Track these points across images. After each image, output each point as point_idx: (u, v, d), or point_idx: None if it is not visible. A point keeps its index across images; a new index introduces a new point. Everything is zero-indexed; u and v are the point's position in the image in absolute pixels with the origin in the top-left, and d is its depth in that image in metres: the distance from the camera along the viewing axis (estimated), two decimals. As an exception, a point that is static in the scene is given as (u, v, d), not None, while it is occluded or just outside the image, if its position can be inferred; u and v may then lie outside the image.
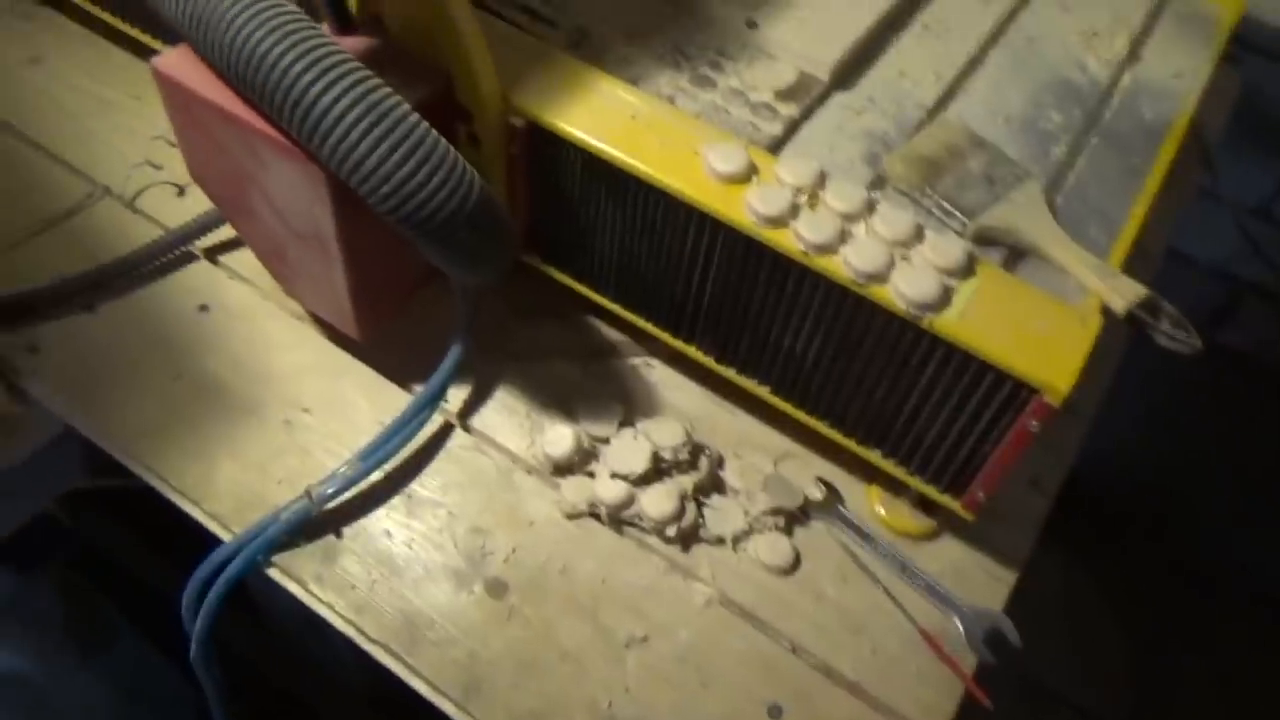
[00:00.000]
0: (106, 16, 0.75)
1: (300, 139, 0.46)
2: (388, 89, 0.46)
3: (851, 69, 0.64)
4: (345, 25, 0.54)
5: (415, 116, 0.46)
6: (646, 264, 0.58)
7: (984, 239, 0.56)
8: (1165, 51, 0.72)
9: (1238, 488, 1.25)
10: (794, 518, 0.59)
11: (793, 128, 0.60)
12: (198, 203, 0.67)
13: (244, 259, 0.66)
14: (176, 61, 0.51)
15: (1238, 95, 0.96)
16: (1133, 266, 0.71)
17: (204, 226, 0.65)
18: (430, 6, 0.52)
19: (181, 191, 0.70)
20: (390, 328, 0.63)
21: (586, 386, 0.63)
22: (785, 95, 0.61)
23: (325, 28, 0.53)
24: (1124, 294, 0.52)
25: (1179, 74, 0.70)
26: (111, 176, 0.70)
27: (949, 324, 0.48)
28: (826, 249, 0.50)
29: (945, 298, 0.48)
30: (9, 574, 0.92)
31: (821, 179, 0.52)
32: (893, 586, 0.57)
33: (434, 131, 0.46)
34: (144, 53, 0.76)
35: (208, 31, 0.45)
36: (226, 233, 0.67)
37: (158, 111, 0.56)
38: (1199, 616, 1.22)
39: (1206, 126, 0.90)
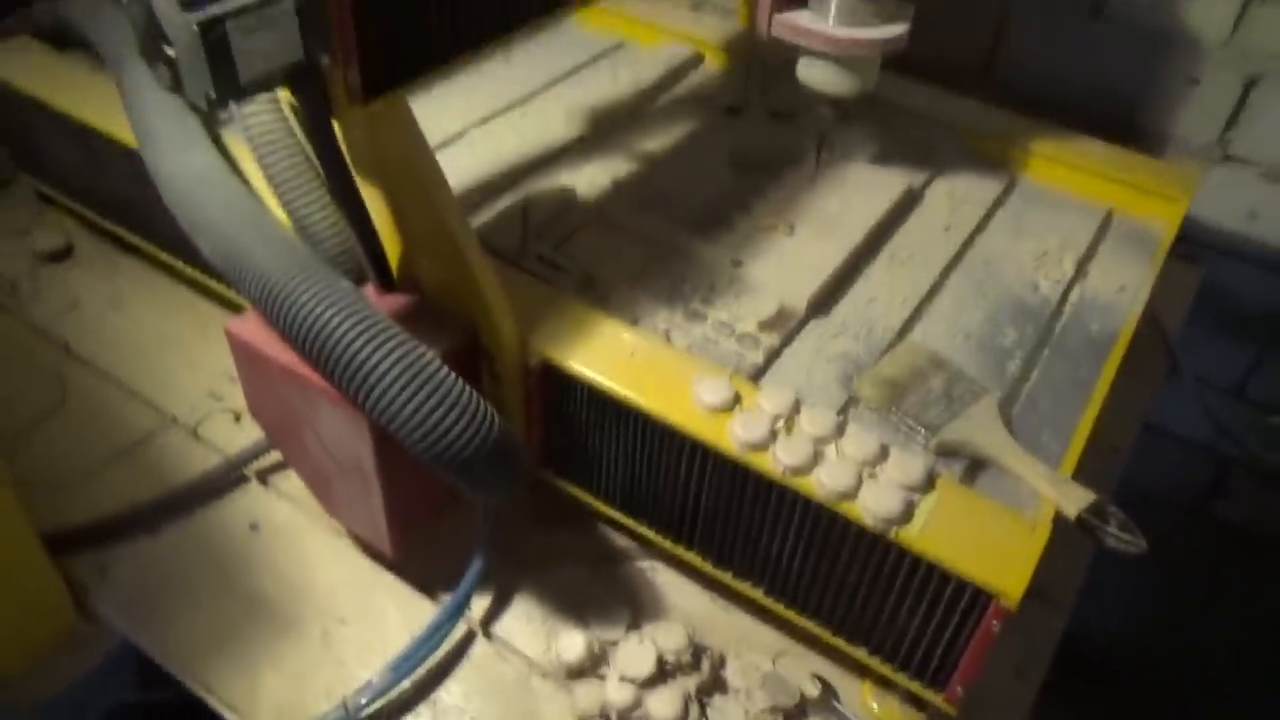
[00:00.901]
0: (179, 264, 0.87)
1: (347, 393, 0.54)
2: (421, 347, 0.54)
3: (826, 299, 0.73)
4: (389, 287, 0.63)
5: (444, 370, 0.54)
6: (648, 480, 0.65)
7: (946, 451, 0.62)
8: (1110, 268, 0.81)
9: (1238, 652, 1.25)
10: (791, 715, 0.63)
11: (774, 355, 0.68)
12: (252, 428, 0.76)
13: (291, 480, 0.74)
14: (247, 327, 0.60)
15: (1198, 287, 1.05)
16: (1100, 464, 0.77)
17: (256, 453, 0.74)
18: (458, 272, 0.61)
19: (238, 419, 0.79)
20: (419, 538, 0.69)
21: (597, 591, 0.69)
22: (767, 326, 0.70)
23: (371, 289, 0.63)
24: (1074, 500, 0.58)
25: (1123, 288, 0.78)
26: (178, 407, 0.79)
27: (912, 536, 0.54)
28: (802, 470, 0.57)
29: (908, 512, 0.55)
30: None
31: (797, 405, 0.60)
32: (888, 782, 0.61)
33: (460, 381, 0.54)
34: (208, 292, 0.87)
35: (272, 304, 0.54)
36: (276, 456, 0.75)
37: (219, 346, 0.65)
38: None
39: (1166, 321, 0.98)
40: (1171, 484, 1.26)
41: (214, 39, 0.42)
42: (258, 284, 0.55)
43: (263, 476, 0.75)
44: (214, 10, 0.41)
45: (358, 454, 0.59)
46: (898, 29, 0.74)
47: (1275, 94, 0.97)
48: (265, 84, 0.46)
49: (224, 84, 0.43)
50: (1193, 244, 1.07)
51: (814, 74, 0.79)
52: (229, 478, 0.74)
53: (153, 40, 0.42)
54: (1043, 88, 1.08)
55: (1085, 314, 0.75)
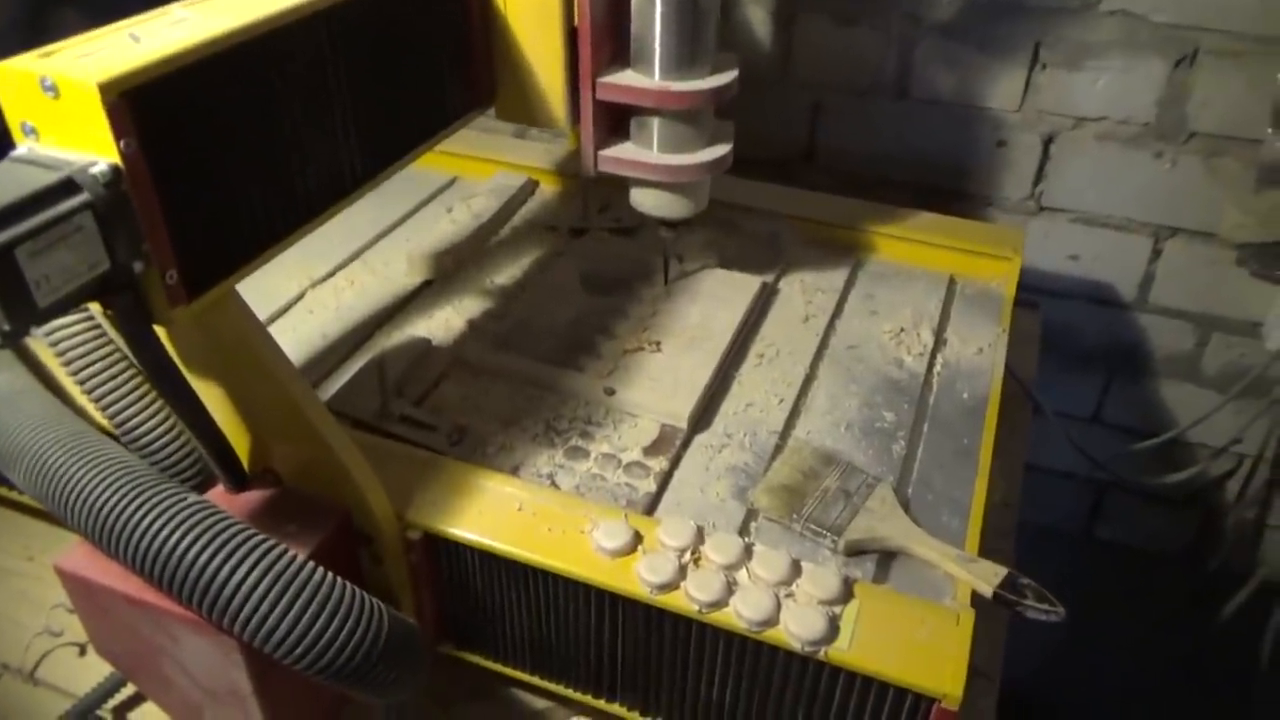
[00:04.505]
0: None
1: (209, 617, 0.48)
2: (284, 549, 0.48)
3: (705, 412, 0.72)
4: (240, 484, 0.58)
5: (316, 571, 0.48)
6: (557, 638, 0.61)
7: (854, 550, 0.61)
8: (964, 332, 0.83)
9: (1135, 662, 1.31)
10: None
11: (665, 480, 0.66)
12: (99, 661, 0.67)
13: (152, 713, 0.65)
14: (79, 558, 0.53)
15: (1041, 331, 1.10)
16: (997, 522, 0.77)
17: (108, 691, 0.65)
18: (316, 453, 0.57)
19: (83, 651, 0.70)
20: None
21: (523, 767, 0.64)
22: (652, 450, 0.68)
23: (220, 491, 0.58)
24: (986, 578, 0.58)
25: (980, 350, 0.81)
26: (9, 652, 0.69)
27: (841, 653, 0.52)
28: (717, 604, 0.54)
29: (833, 628, 0.53)
30: None
31: (700, 535, 0.57)
32: None
33: (336, 580, 0.49)
34: (31, 510, 0.78)
35: (104, 532, 0.48)
36: (133, 689, 0.66)
37: (51, 571, 0.57)
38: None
39: (1019, 366, 1.01)
40: (1058, 516, 1.30)
41: (1, 270, 0.37)
42: (84, 512, 0.48)
43: (120, 714, 0.66)
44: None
45: (230, 679, 0.53)
46: (721, 150, 0.76)
47: (1069, 147, 1.05)
48: (69, 304, 0.41)
49: (19, 314, 0.38)
50: (1029, 290, 1.13)
51: (647, 200, 0.79)
52: (82, 725, 0.64)
53: (-73, 278, 0.37)
54: (865, 166, 1.13)
55: (953, 381, 0.77)
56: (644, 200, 0.79)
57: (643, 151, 0.76)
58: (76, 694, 0.66)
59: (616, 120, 0.76)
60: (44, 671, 0.69)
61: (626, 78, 0.73)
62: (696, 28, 0.71)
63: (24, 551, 0.77)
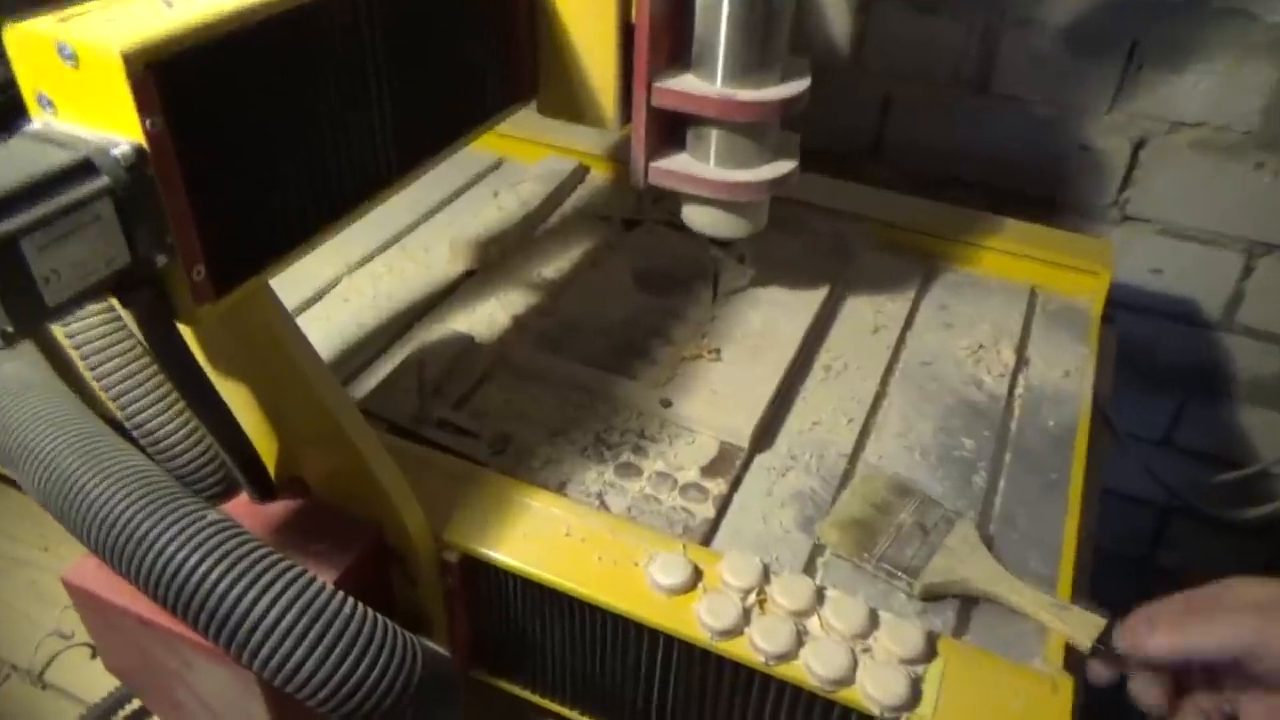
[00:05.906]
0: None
1: (227, 649, 0.43)
2: (311, 579, 0.44)
3: (768, 429, 0.66)
4: (266, 494, 0.53)
5: (345, 604, 0.44)
6: (601, 675, 0.56)
7: (932, 595, 0.55)
8: (1049, 352, 0.77)
9: None
10: None
11: (724, 505, 0.61)
12: (115, 667, 0.63)
13: (169, 727, 0.61)
14: (88, 571, 0.49)
15: (1117, 350, 1.03)
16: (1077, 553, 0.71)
17: (118, 702, 0.61)
18: (347, 462, 0.52)
19: (94, 653, 0.66)
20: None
21: (557, 807, 0.59)
22: (710, 470, 0.62)
23: (244, 501, 0.53)
24: (1083, 629, 0.52)
25: (1067, 373, 0.74)
26: (18, 652, 0.66)
27: (926, 722, 0.46)
28: (785, 656, 0.48)
29: (915, 692, 0.47)
30: None
31: (766, 574, 0.52)
32: None
33: (367, 614, 0.44)
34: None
35: (114, 549, 0.43)
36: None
37: (66, 565, 0.52)
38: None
39: (1097, 386, 0.95)
40: (1119, 541, 1.24)
41: (4, 263, 0.32)
42: (92, 523, 0.43)
43: (134, 724, 0.62)
44: (3, 227, 0.32)
45: (247, 711, 0.48)
46: (785, 166, 0.68)
47: (1161, 154, 0.98)
48: (83, 301, 0.36)
49: (24, 313, 0.34)
50: (1106, 304, 1.06)
51: (700, 218, 0.72)
52: (91, 735, 0.61)
53: (-81, 271, 0.32)
54: (936, 163, 1.06)
55: (1037, 407, 0.71)
56: (697, 218, 0.72)
57: (698, 165, 0.68)
58: (86, 700, 0.62)
59: (671, 128, 0.69)
60: (53, 674, 0.65)
61: (686, 83, 0.65)
62: (768, 29, 0.62)
63: (39, 541, 0.74)
